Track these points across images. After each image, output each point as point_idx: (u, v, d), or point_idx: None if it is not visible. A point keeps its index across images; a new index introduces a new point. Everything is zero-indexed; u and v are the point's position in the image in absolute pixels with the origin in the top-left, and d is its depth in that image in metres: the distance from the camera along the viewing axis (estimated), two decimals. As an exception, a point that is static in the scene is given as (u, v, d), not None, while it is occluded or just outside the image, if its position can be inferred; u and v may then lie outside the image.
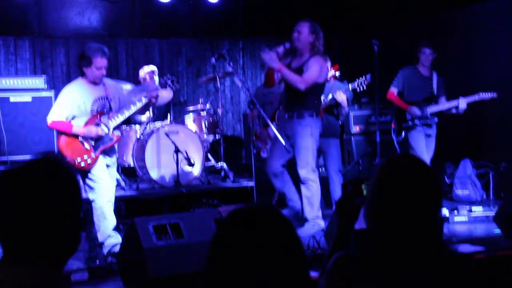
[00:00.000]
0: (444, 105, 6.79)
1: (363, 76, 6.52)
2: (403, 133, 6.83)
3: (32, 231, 1.52)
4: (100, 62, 5.19)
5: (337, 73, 6.71)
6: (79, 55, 5.39)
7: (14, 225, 1.53)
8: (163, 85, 5.75)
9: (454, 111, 6.76)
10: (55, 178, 1.57)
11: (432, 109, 6.77)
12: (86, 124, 5.27)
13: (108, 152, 5.42)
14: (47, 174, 1.57)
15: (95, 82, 5.31)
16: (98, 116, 5.32)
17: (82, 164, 5.16)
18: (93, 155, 5.26)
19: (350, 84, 6.61)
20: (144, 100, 5.49)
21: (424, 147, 6.78)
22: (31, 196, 1.53)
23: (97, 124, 5.30)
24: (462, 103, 6.64)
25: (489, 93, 6.64)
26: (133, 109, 5.47)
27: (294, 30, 5.64)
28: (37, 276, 1.50)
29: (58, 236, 1.55)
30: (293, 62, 5.69)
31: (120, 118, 5.41)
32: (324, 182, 6.98)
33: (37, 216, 1.52)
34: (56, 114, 5.22)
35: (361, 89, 6.61)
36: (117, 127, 5.46)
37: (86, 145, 5.26)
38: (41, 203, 1.53)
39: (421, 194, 1.82)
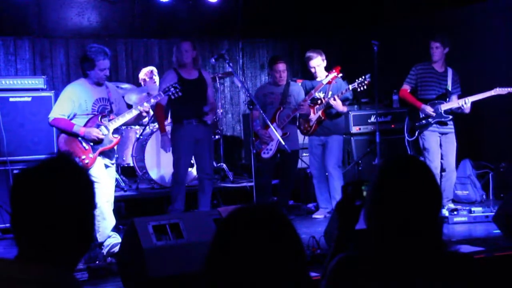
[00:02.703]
0: (453, 103, 6.62)
1: (363, 76, 6.50)
2: (416, 133, 6.69)
3: (45, 230, 1.53)
4: (103, 63, 5.23)
5: (340, 75, 6.69)
6: (81, 57, 5.45)
7: (28, 224, 1.54)
8: (165, 92, 5.77)
9: (458, 110, 6.62)
10: (69, 178, 1.58)
11: (445, 106, 6.61)
12: (87, 124, 5.29)
13: (107, 153, 5.44)
14: (61, 174, 1.58)
15: (98, 83, 5.35)
16: (99, 117, 5.34)
17: (80, 164, 5.16)
18: (91, 155, 5.28)
19: (350, 85, 6.61)
20: (134, 112, 5.50)
21: (437, 148, 6.62)
22: (45, 195, 1.53)
23: (98, 126, 5.32)
24: (466, 103, 6.52)
25: (505, 89, 6.46)
26: (134, 112, 5.49)
27: (180, 49, 6.14)
28: (51, 275, 1.51)
29: (71, 235, 1.56)
30: (184, 74, 6.15)
31: (120, 121, 5.43)
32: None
33: (50, 216, 1.53)
34: (58, 111, 5.27)
35: (362, 89, 6.59)
36: (117, 130, 5.48)
37: (85, 145, 5.28)
38: (54, 202, 1.53)
39: (420, 195, 1.82)
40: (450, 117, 6.65)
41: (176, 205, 6.14)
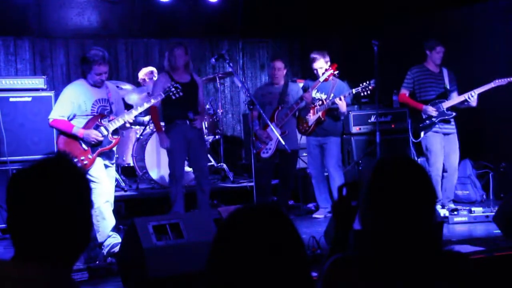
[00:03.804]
0: (456, 99, 6.64)
1: (367, 81, 6.51)
2: (421, 134, 6.71)
3: (42, 230, 1.53)
4: (99, 69, 5.24)
5: (336, 72, 6.72)
6: (81, 58, 5.48)
7: (24, 224, 1.54)
8: (166, 92, 5.79)
9: (464, 105, 6.62)
10: (64, 178, 1.58)
11: (446, 104, 6.63)
12: (87, 125, 5.30)
13: (107, 153, 5.44)
14: (56, 174, 1.58)
15: (96, 85, 5.36)
16: (99, 118, 5.34)
17: (79, 164, 5.17)
18: (90, 156, 5.28)
19: (354, 89, 6.62)
20: (134, 113, 5.53)
21: (440, 150, 6.64)
22: (41, 195, 1.53)
23: (97, 126, 5.32)
24: (472, 95, 6.52)
25: (505, 79, 6.48)
26: (134, 113, 5.51)
27: (173, 54, 6.22)
28: (47, 274, 1.51)
29: (68, 235, 1.56)
30: (176, 77, 6.21)
31: (120, 122, 5.43)
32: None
33: (47, 215, 1.53)
34: (58, 113, 5.28)
35: (365, 94, 6.61)
36: (116, 130, 5.48)
37: (84, 146, 5.29)
38: (51, 202, 1.53)
39: (414, 195, 1.82)
40: (454, 114, 6.67)
41: (175, 208, 6.15)
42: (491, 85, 6.52)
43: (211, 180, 7.59)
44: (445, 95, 6.70)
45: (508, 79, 6.48)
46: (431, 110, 6.61)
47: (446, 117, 6.65)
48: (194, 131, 6.26)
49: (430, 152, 6.66)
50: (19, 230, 1.55)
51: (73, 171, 1.61)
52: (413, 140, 6.80)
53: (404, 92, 6.82)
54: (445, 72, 6.77)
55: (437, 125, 6.66)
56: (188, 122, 6.20)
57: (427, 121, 6.66)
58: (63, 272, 1.56)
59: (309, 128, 6.84)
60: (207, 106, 7.89)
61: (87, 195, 1.62)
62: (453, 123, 6.72)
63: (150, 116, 7.34)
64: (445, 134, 6.70)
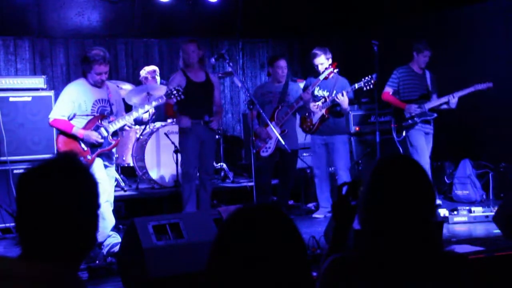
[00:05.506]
0: (436, 101, 6.85)
1: (369, 76, 6.53)
2: (403, 133, 6.87)
3: (49, 229, 1.54)
4: (99, 68, 5.23)
5: (336, 70, 6.72)
6: (81, 57, 5.47)
7: (31, 223, 1.55)
8: (168, 95, 5.79)
9: (445, 106, 6.81)
10: (72, 178, 1.59)
11: (429, 105, 6.83)
12: (87, 125, 5.29)
13: (106, 153, 5.44)
14: (64, 174, 1.59)
15: (97, 85, 5.35)
16: (99, 119, 5.34)
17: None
18: (89, 157, 5.28)
19: (356, 84, 6.62)
20: (135, 114, 5.53)
21: (424, 145, 6.84)
22: (49, 195, 1.54)
23: (98, 127, 5.31)
24: (454, 97, 6.71)
25: (484, 84, 6.64)
26: (135, 114, 5.51)
27: (186, 51, 6.22)
28: (54, 274, 1.51)
29: (74, 234, 1.57)
30: (192, 77, 6.25)
31: (120, 123, 5.42)
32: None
33: (53, 215, 1.54)
34: (58, 112, 5.27)
35: (368, 88, 6.62)
36: (116, 132, 5.47)
37: (84, 146, 5.29)
38: (57, 202, 1.54)
39: (413, 194, 1.82)
40: (435, 115, 6.85)
41: (188, 207, 6.12)
42: (471, 89, 6.69)
43: (213, 180, 7.61)
44: (427, 97, 6.91)
45: (488, 84, 6.63)
46: (415, 108, 6.76)
47: (428, 117, 6.84)
48: (208, 132, 6.28)
49: (415, 148, 6.82)
50: (27, 229, 1.56)
51: (82, 172, 1.62)
52: (397, 138, 6.91)
53: (388, 90, 6.98)
54: (427, 74, 6.96)
55: (418, 124, 6.82)
56: (201, 123, 6.20)
57: (410, 121, 6.84)
58: (70, 270, 1.57)
59: (313, 127, 6.84)
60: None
61: (95, 196, 1.63)
62: (432, 124, 6.92)
63: (154, 114, 7.33)
64: (426, 133, 6.89)
